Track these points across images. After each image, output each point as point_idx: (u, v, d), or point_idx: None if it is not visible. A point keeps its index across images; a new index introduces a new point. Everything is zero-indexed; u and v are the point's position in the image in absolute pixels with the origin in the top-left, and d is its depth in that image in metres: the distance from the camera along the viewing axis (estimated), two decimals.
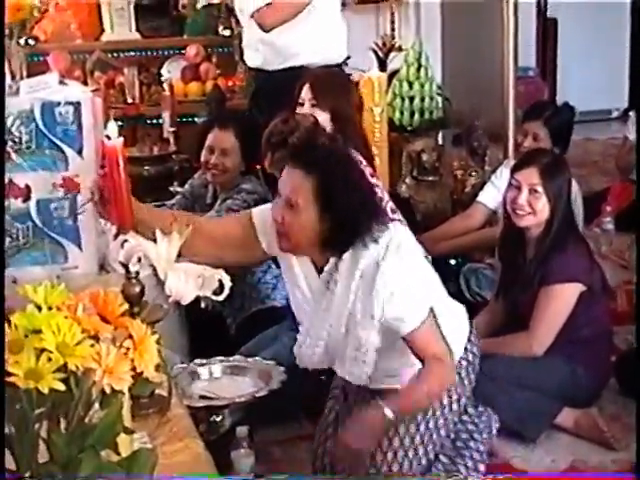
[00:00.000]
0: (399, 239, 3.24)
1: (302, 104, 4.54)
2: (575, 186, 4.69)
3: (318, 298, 3.31)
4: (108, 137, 2.83)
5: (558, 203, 4.12)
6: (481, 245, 5.29)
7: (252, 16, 5.18)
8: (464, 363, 3.53)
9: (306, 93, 4.54)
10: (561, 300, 4.09)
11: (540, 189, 4.09)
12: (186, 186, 5.03)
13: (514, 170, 4.21)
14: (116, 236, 2.70)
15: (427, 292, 3.27)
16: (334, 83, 4.71)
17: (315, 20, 5.21)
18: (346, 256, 3.22)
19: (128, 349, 1.51)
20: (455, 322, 3.55)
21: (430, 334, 3.24)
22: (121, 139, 2.75)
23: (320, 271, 3.31)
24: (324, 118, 4.41)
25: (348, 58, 5.46)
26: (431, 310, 3.23)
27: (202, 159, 4.77)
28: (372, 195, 3.40)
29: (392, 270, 3.16)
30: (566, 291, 4.10)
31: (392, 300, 3.15)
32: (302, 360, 3.42)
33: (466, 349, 3.55)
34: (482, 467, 3.64)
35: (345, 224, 3.17)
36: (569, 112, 5.52)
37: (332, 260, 3.25)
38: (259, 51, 5.38)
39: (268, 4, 5.13)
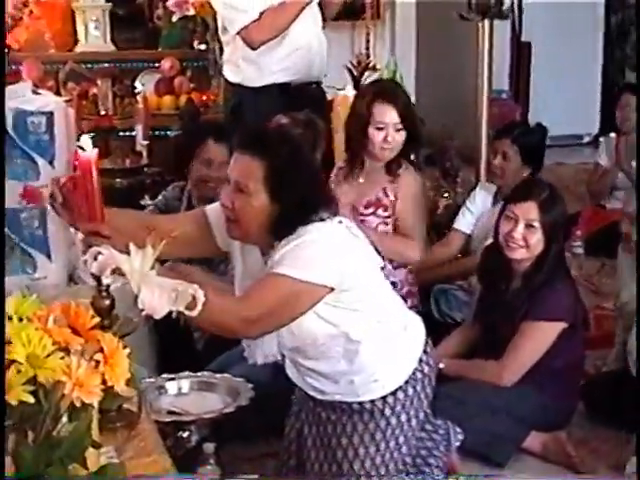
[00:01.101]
0: (321, 223, 3.20)
1: (381, 128, 4.56)
2: None
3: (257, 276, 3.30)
4: (81, 148, 2.81)
5: (553, 238, 4.11)
6: (463, 273, 5.27)
7: (238, 33, 5.18)
8: (419, 375, 3.51)
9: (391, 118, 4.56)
10: (542, 337, 4.09)
11: (537, 224, 4.08)
12: (159, 197, 4.97)
13: (510, 201, 4.19)
14: (85, 249, 2.67)
15: (327, 272, 3.19)
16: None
17: (297, 38, 5.21)
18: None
19: (99, 362, 1.50)
20: (407, 331, 3.54)
21: (275, 296, 3.13)
22: (95, 151, 2.73)
23: (263, 253, 3.30)
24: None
25: (325, 75, 5.47)
26: (322, 291, 3.17)
27: (195, 173, 4.69)
28: (322, 182, 3.40)
29: (297, 235, 3.14)
30: (549, 329, 4.10)
31: (285, 253, 3.11)
32: (252, 353, 3.41)
33: (421, 360, 3.53)
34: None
35: (295, 208, 3.17)
36: (539, 131, 5.52)
37: (276, 245, 3.25)
38: (240, 67, 5.37)
39: (254, 21, 5.14)
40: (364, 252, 3.37)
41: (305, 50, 5.28)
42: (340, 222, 3.30)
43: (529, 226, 4.07)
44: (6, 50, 6.31)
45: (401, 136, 4.50)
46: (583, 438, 4.21)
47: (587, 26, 8.30)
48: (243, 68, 5.36)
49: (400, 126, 4.47)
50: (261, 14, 5.12)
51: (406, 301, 4.46)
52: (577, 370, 4.32)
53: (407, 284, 4.66)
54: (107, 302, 2.50)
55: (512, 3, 6.97)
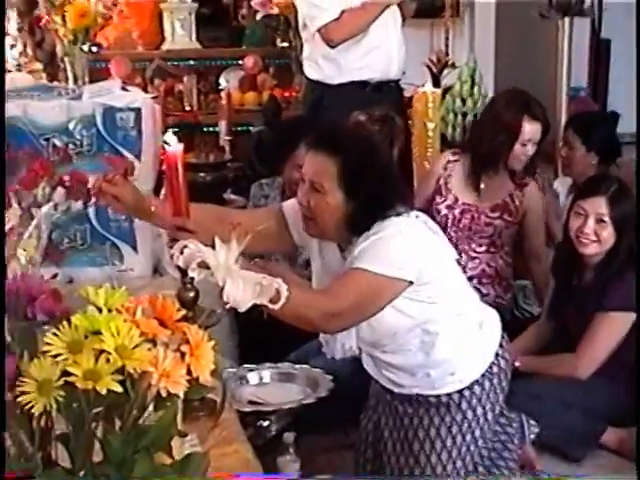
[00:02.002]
0: (400, 217, 3.19)
1: (526, 145, 4.63)
2: None
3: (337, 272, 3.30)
4: (167, 143, 2.83)
5: (623, 232, 4.08)
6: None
7: (319, 30, 5.19)
8: (495, 369, 3.49)
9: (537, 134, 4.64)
10: (615, 328, 4.06)
11: (607, 219, 4.05)
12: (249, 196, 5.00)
13: (579, 197, 4.16)
14: (171, 242, 2.69)
15: (404, 265, 3.17)
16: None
17: (376, 37, 5.21)
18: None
19: (184, 354, 1.51)
20: (484, 326, 3.52)
21: (359, 291, 3.14)
22: (181, 146, 2.75)
23: (342, 249, 3.31)
24: None
25: (403, 73, 5.46)
26: (401, 285, 3.16)
27: (287, 175, 4.70)
28: (397, 178, 3.39)
29: (376, 230, 3.14)
30: (621, 320, 4.06)
31: (365, 248, 3.12)
32: (330, 348, 3.41)
33: (497, 354, 3.51)
34: (518, 475, 3.64)
35: (370, 205, 3.17)
36: (604, 120, 5.48)
37: (354, 240, 3.25)
38: (319, 65, 5.38)
39: (335, 19, 5.14)
40: (441, 246, 3.36)
41: (383, 49, 5.28)
42: (417, 216, 3.30)
43: (599, 221, 4.04)
44: (95, 49, 6.37)
45: (534, 149, 4.60)
46: None
47: None
48: (322, 65, 5.37)
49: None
50: (342, 12, 5.13)
51: (492, 293, 4.47)
52: None
53: (485, 277, 4.68)
54: (192, 294, 2.52)
55: (592, 1, 6.91)
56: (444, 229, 4.39)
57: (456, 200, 4.72)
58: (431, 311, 3.31)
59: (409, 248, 3.19)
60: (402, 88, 5.58)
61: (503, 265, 4.74)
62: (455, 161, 4.79)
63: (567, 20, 5.59)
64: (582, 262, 4.15)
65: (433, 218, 3.88)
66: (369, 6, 5.16)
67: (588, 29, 7.43)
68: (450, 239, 4.12)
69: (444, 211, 4.67)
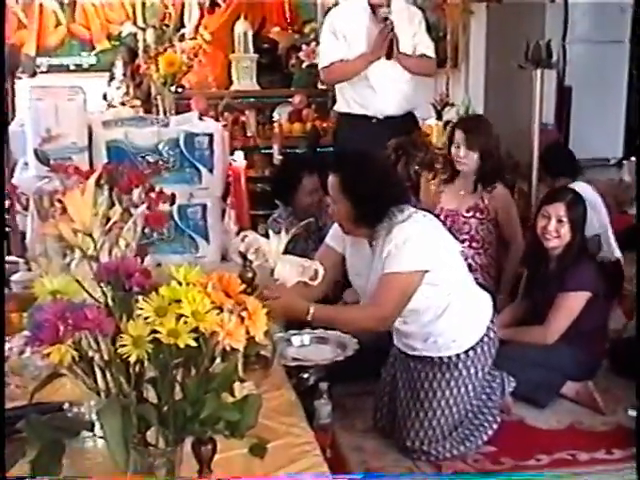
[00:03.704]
0: (411, 219, 3.24)
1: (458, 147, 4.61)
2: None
3: (369, 262, 3.34)
4: (234, 160, 2.85)
5: (577, 229, 4.11)
6: None
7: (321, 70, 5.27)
8: (486, 339, 3.51)
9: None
10: (574, 304, 4.05)
11: (565, 219, 4.07)
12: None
13: (544, 203, 4.19)
14: (237, 234, 2.69)
15: (421, 259, 3.22)
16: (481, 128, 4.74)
17: (374, 79, 5.13)
18: (382, 229, 3.25)
19: (244, 318, 1.50)
20: (479, 304, 3.52)
21: (398, 291, 3.21)
22: (244, 162, 2.77)
23: (371, 244, 3.36)
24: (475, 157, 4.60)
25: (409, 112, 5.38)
26: (422, 274, 3.22)
27: (299, 202, 4.73)
28: (396, 187, 3.39)
29: (397, 235, 3.20)
30: (578, 297, 4.06)
31: (390, 252, 3.20)
32: None
33: (488, 328, 3.52)
34: (498, 419, 3.62)
35: (372, 208, 3.24)
36: (559, 154, 5.57)
37: (375, 235, 3.30)
38: (338, 98, 5.36)
39: (326, 66, 5.17)
40: (445, 238, 3.38)
41: (379, 91, 5.15)
42: (425, 215, 3.33)
43: (559, 221, 4.07)
44: (180, 90, 6.38)
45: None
46: (607, 387, 4.14)
47: (615, 76, 8.13)
48: (338, 99, 5.35)
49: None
50: (341, 61, 5.10)
51: (481, 280, 4.46)
52: (602, 333, 4.27)
53: (484, 267, 4.66)
54: (250, 274, 2.51)
55: (558, 56, 6.86)
56: None
57: (442, 209, 4.73)
58: (442, 291, 3.32)
59: (424, 243, 3.22)
60: (416, 119, 5.51)
61: (486, 261, 4.69)
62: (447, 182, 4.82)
63: (539, 71, 5.55)
64: (547, 254, 4.17)
65: None
66: (356, 61, 5.09)
67: (554, 78, 7.35)
68: None
69: None
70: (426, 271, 3.22)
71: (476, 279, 4.47)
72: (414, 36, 5.19)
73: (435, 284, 3.28)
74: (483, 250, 4.67)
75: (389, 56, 5.04)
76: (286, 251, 2.59)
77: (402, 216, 3.25)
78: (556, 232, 4.08)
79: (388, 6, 5.03)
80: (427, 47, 5.26)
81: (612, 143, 7.88)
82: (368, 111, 5.17)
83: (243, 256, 2.50)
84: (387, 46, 5.00)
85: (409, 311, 3.33)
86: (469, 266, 4.60)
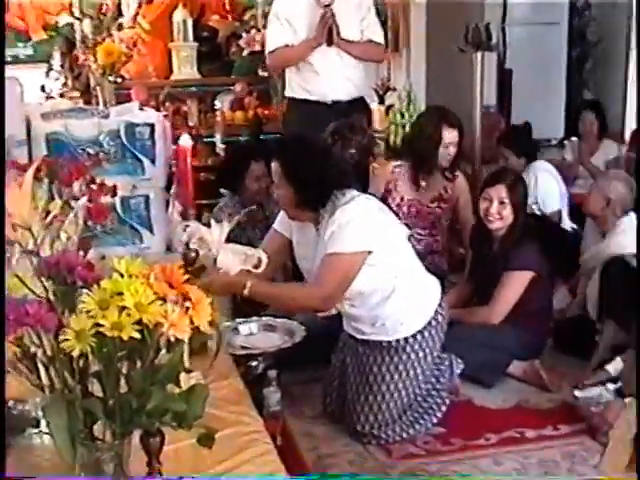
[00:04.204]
0: (354, 202, 3.27)
1: (447, 147, 4.66)
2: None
3: (315, 246, 3.36)
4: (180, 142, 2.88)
5: (519, 211, 4.15)
6: None
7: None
8: (434, 322, 3.53)
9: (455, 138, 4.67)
10: (517, 283, 4.10)
11: (507, 201, 4.10)
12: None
13: (486, 186, 4.21)
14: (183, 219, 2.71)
15: (363, 240, 3.24)
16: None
17: (318, 64, 5.15)
18: (325, 212, 3.28)
19: (188, 308, 1.50)
20: (426, 288, 3.54)
21: (339, 271, 3.23)
22: (190, 143, 2.80)
23: (317, 229, 3.38)
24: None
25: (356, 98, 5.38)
26: (365, 255, 3.23)
27: (246, 188, 4.72)
28: (338, 171, 3.39)
29: (339, 216, 3.22)
30: (521, 277, 4.10)
31: (333, 233, 3.21)
32: None
33: (436, 312, 3.55)
34: (447, 401, 3.65)
35: (313, 192, 3.26)
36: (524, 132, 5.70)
37: (320, 218, 3.31)
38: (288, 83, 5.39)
39: (271, 51, 5.21)
40: (391, 222, 3.40)
41: (321, 75, 5.17)
42: (368, 198, 3.36)
43: (501, 203, 4.10)
44: (120, 79, 6.33)
45: (455, 150, 4.63)
46: (552, 365, 4.20)
47: (553, 58, 8.23)
48: (287, 84, 5.36)
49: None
50: (285, 46, 5.12)
51: (437, 262, 4.49)
52: (547, 312, 4.33)
53: (441, 251, 4.71)
54: (193, 254, 2.53)
55: (498, 40, 6.92)
56: None
57: (402, 199, 4.74)
58: (387, 274, 3.34)
59: (366, 225, 3.24)
60: (366, 103, 5.52)
61: (442, 246, 4.76)
62: (399, 167, 4.80)
63: (479, 54, 5.59)
64: (490, 235, 4.20)
65: None
66: (300, 47, 5.13)
67: (495, 61, 7.40)
68: None
69: (394, 209, 4.66)
70: (369, 252, 3.24)
71: (432, 263, 4.52)
72: (362, 21, 5.20)
73: (379, 266, 3.30)
74: (441, 235, 4.75)
75: (330, 43, 5.05)
76: (233, 239, 2.60)
77: (345, 199, 3.27)
78: (498, 214, 4.12)
79: None
80: (374, 32, 5.26)
81: (553, 124, 7.99)
82: (313, 96, 5.19)
83: (186, 244, 2.50)
84: (327, 33, 5.02)
85: (355, 293, 3.35)
86: (430, 251, 4.67)
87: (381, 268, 3.32)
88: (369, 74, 6.66)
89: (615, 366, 3.66)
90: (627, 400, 2.55)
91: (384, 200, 4.71)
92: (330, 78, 5.15)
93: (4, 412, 1.46)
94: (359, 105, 5.35)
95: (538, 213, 5.39)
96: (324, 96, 5.16)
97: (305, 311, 3.51)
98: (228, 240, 2.67)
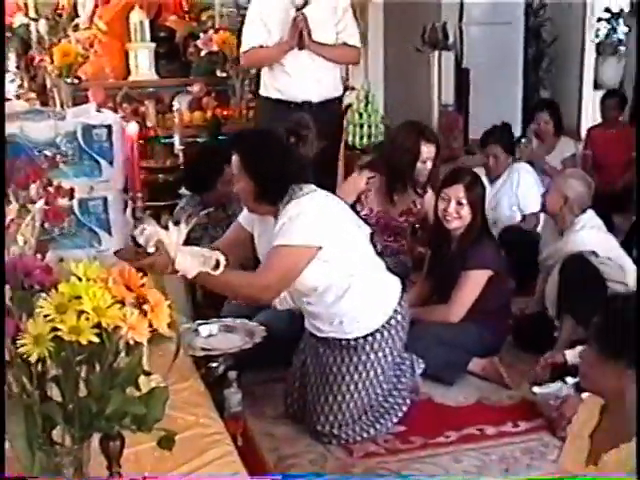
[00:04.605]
0: (309, 196, 3.28)
1: (425, 162, 4.68)
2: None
3: (271, 239, 3.32)
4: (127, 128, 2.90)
5: (477, 210, 4.16)
6: None
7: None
8: (393, 322, 3.54)
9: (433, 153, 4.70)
10: (475, 282, 4.12)
11: (464, 201, 4.12)
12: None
13: (443, 186, 4.22)
14: (133, 210, 2.71)
15: (312, 234, 3.24)
16: None
17: (289, 66, 5.18)
18: (283, 206, 3.28)
19: (146, 311, 1.50)
20: (385, 287, 3.55)
21: (283, 263, 3.23)
22: (136, 128, 2.84)
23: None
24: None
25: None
26: (314, 250, 3.23)
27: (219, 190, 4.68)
28: (293, 165, 3.39)
29: (291, 209, 3.23)
30: (479, 275, 4.12)
31: (283, 225, 3.22)
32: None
33: (396, 311, 3.55)
34: (408, 401, 3.67)
35: (270, 186, 3.27)
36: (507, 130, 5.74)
37: (280, 211, 3.30)
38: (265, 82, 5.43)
39: (245, 51, 5.28)
40: (348, 219, 3.41)
41: (292, 76, 5.21)
42: (327, 195, 3.38)
43: (459, 203, 4.12)
44: (77, 81, 6.28)
45: (432, 165, 4.71)
46: (511, 362, 4.23)
47: (510, 57, 8.30)
48: (261, 83, 5.41)
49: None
50: (260, 47, 5.17)
51: (395, 263, 4.53)
52: (506, 310, 4.35)
53: (397, 252, 4.74)
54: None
55: (455, 39, 6.97)
56: None
57: (371, 210, 4.78)
58: (342, 271, 3.34)
59: (316, 219, 3.24)
60: (340, 108, 5.54)
61: (404, 248, 4.80)
62: (373, 179, 4.82)
63: (436, 53, 5.64)
64: (449, 235, 4.22)
65: None
66: (274, 49, 5.19)
67: (452, 60, 7.45)
68: None
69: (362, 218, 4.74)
70: (319, 248, 3.24)
71: (397, 262, 4.55)
72: (337, 24, 5.22)
73: (333, 262, 3.30)
74: (406, 241, 4.80)
75: (301, 46, 5.09)
76: (195, 239, 2.59)
77: (301, 192, 3.28)
78: (456, 213, 4.14)
79: None
80: (350, 35, 5.28)
81: (510, 122, 8.06)
82: (284, 96, 5.24)
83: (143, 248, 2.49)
84: (298, 37, 5.07)
85: (309, 289, 3.36)
86: (395, 252, 4.71)
87: (335, 265, 3.32)
88: None
89: (573, 353, 3.69)
90: (583, 395, 2.58)
91: (353, 208, 4.77)
92: (301, 80, 5.19)
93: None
94: (332, 106, 5.37)
95: (518, 214, 5.43)
96: (294, 96, 5.21)
97: (248, 299, 3.53)
98: (189, 240, 2.67)
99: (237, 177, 3.35)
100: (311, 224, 3.23)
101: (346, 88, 6.79)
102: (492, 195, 5.42)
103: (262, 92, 5.41)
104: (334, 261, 3.31)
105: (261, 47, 5.21)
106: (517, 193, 5.45)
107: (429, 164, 4.67)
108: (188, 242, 2.74)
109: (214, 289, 3.40)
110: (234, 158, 3.35)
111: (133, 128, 2.93)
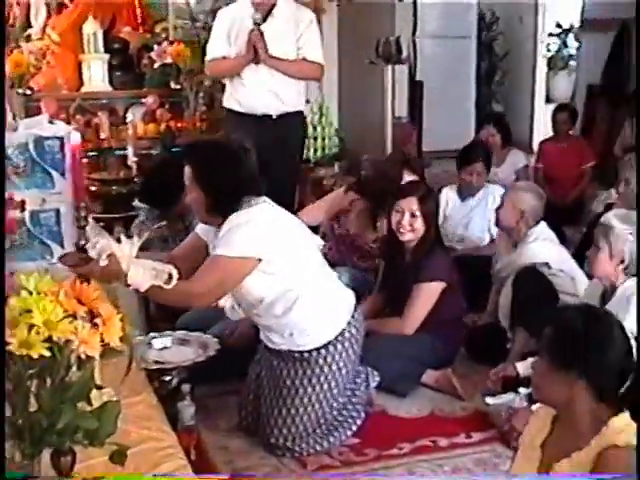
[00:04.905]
0: (254, 208, 3.28)
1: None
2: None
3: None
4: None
5: (430, 222, 4.19)
6: None
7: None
8: (347, 334, 3.54)
9: None
10: (428, 294, 4.14)
11: (418, 213, 4.14)
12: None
13: (397, 198, 4.24)
14: (77, 219, 2.70)
15: (250, 246, 3.23)
16: None
17: (248, 79, 5.21)
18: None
19: (98, 325, 1.49)
20: (336, 300, 3.55)
21: (218, 273, 3.22)
22: (79, 137, 2.85)
23: None
24: None
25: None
26: (253, 262, 3.22)
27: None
28: (244, 177, 3.36)
29: (233, 219, 3.24)
30: (432, 288, 4.14)
31: (223, 235, 3.23)
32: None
33: (349, 323, 3.55)
34: (363, 414, 3.67)
35: (222, 197, 3.26)
36: None
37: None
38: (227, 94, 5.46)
39: (210, 60, 5.33)
40: (296, 231, 3.41)
41: (249, 89, 5.24)
42: (273, 206, 3.37)
43: (412, 215, 4.14)
44: (29, 92, 6.23)
45: None
46: (464, 373, 4.25)
47: (463, 70, 8.39)
48: (225, 94, 5.45)
49: None
50: (223, 57, 5.22)
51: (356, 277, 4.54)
52: (458, 321, 4.38)
53: (363, 269, 4.76)
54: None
55: (409, 52, 7.01)
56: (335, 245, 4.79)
57: (347, 231, 4.81)
58: (288, 283, 3.34)
59: (256, 232, 3.24)
60: (303, 122, 5.56)
61: (371, 266, 4.83)
62: (357, 201, 4.86)
63: (390, 67, 5.67)
64: (402, 247, 4.24)
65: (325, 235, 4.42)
66: (233, 61, 5.23)
67: (406, 73, 7.49)
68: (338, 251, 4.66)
69: (334, 237, 4.84)
70: (259, 260, 3.24)
71: (359, 276, 4.58)
72: (298, 39, 5.22)
73: (278, 275, 3.31)
74: (369, 260, 4.81)
75: (257, 61, 5.12)
76: (153, 250, 2.58)
77: (252, 204, 3.28)
78: (410, 226, 4.16)
79: (274, 7, 5.13)
80: (311, 50, 5.27)
81: (462, 135, 8.13)
82: (243, 108, 5.27)
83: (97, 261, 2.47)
84: (254, 51, 5.08)
85: (255, 301, 3.36)
86: (357, 268, 4.73)
87: (281, 277, 3.32)
88: None
89: (525, 365, 3.73)
90: (534, 407, 2.60)
91: (331, 226, 4.79)
92: (258, 93, 5.21)
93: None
94: (293, 120, 5.36)
95: (487, 237, 5.43)
96: (254, 109, 5.24)
97: (181, 305, 3.54)
98: (146, 251, 2.66)
99: (189, 188, 3.34)
100: (253, 236, 3.23)
101: None
102: (465, 213, 5.47)
103: (225, 104, 5.44)
104: (280, 273, 3.31)
105: (224, 58, 5.25)
106: (490, 216, 5.46)
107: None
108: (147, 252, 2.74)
109: (165, 303, 3.41)
110: (186, 169, 3.34)
111: (76, 137, 2.96)
